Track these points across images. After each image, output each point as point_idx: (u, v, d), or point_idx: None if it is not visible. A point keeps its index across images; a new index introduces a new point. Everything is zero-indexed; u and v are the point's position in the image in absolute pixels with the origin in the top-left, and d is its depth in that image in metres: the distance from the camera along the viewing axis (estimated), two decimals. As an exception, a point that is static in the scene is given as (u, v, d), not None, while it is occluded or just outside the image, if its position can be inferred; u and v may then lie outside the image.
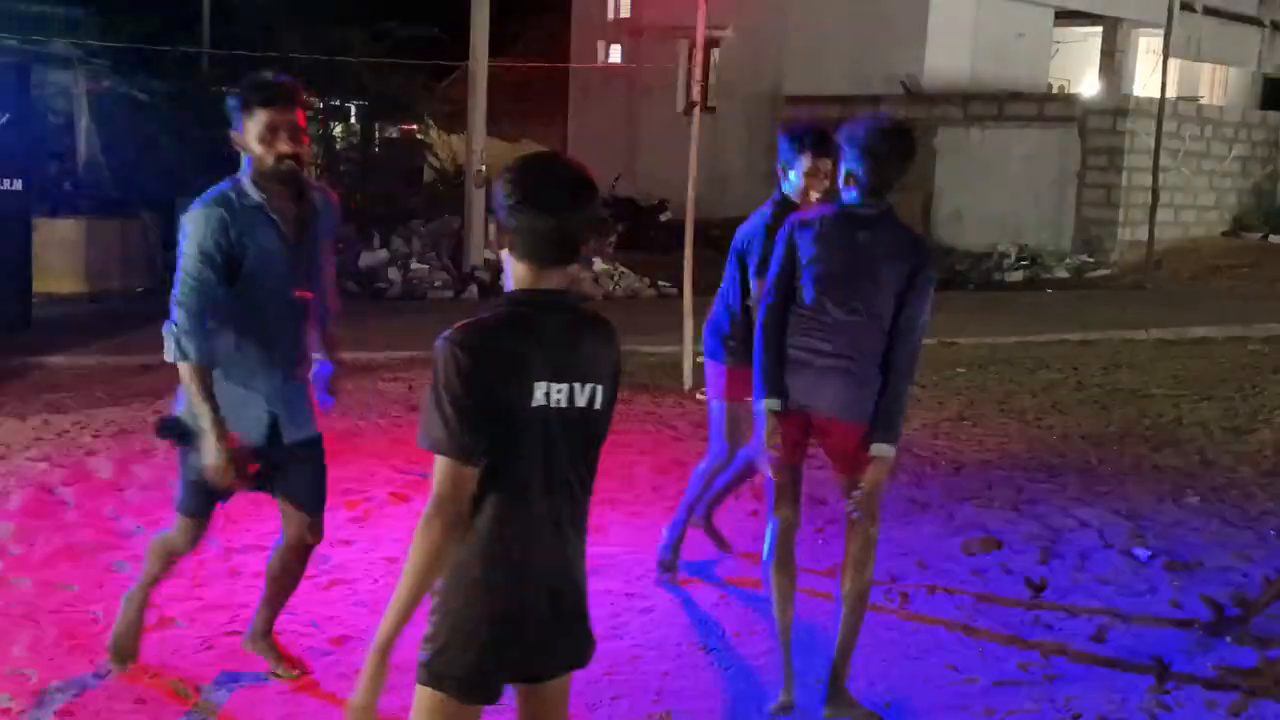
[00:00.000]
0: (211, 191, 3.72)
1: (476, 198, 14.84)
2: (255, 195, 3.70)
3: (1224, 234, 21.29)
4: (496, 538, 2.48)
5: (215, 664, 4.31)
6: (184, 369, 3.64)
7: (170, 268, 3.75)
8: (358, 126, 20.01)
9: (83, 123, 14.84)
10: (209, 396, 3.65)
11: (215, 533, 5.72)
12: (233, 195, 3.69)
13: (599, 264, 15.64)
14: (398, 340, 10.74)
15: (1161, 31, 19.56)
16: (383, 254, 15.07)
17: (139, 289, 13.34)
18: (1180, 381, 10.60)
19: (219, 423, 3.65)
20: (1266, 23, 28.19)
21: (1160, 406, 9.50)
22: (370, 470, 6.91)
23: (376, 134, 20.26)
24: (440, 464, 2.41)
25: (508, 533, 2.48)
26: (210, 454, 3.66)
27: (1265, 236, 20.98)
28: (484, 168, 14.79)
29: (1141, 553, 5.84)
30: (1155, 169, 18.36)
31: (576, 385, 2.50)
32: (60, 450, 7.11)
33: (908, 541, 5.86)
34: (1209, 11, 25.74)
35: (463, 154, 16.47)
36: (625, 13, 25.54)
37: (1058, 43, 24.19)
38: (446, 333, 2.46)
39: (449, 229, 15.76)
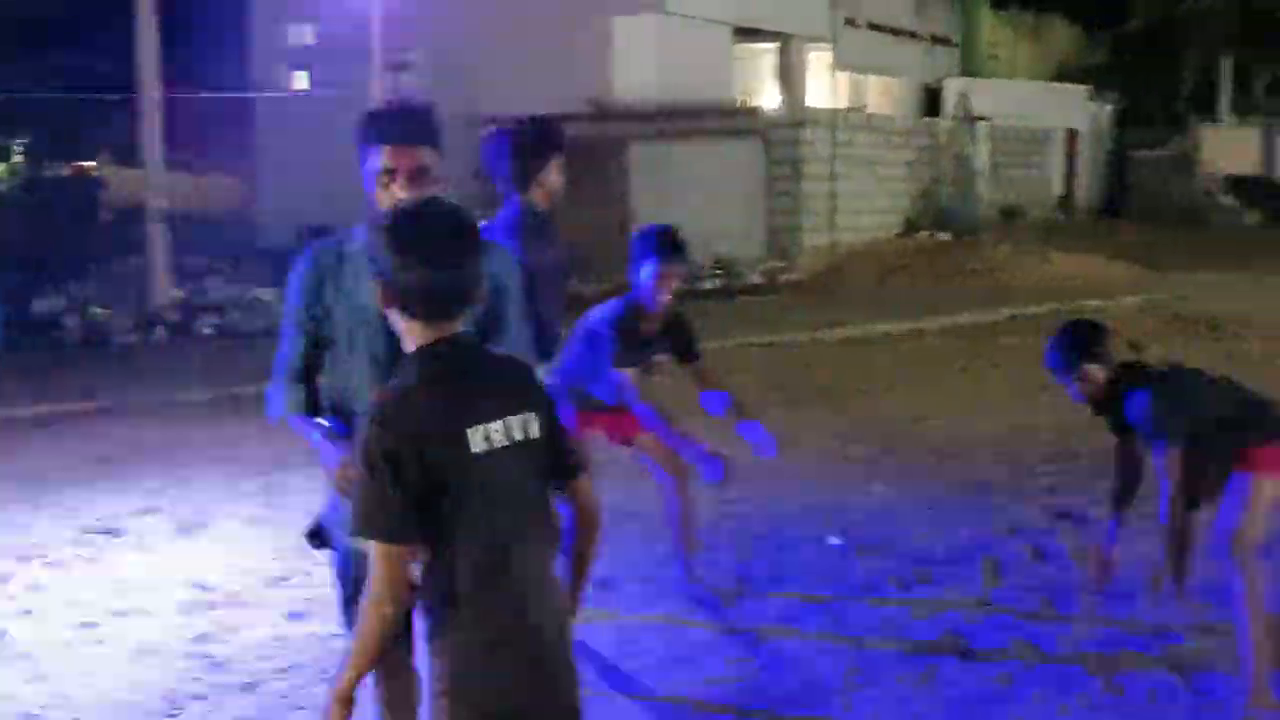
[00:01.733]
0: (326, 238, 3.16)
1: (158, 236, 14.18)
2: (361, 241, 2.99)
3: (898, 234, 22.76)
4: (482, 604, 2.35)
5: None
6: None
7: None
8: (23, 165, 18.76)
9: None
10: (306, 432, 3.08)
11: None
12: (338, 242, 3.10)
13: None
14: (80, 390, 10.13)
15: (831, 46, 20.75)
16: (58, 300, 14.19)
17: None
18: (866, 375, 11.23)
19: (328, 433, 3.01)
20: (923, 35, 30.35)
21: (848, 401, 10.04)
22: (55, 530, 6.48)
23: (45, 173, 19.05)
24: (374, 550, 2.28)
25: (493, 595, 2.36)
26: (326, 459, 2.97)
27: (933, 235, 22.55)
28: (165, 204, 14.15)
29: (835, 541, 6.15)
30: (832, 176, 19.43)
31: (511, 419, 2.40)
32: None
33: (618, 549, 5.95)
34: (872, 27, 27.50)
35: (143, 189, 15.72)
36: (309, 38, 25.01)
37: (737, 58, 25.25)
38: (368, 410, 2.34)
39: (130, 270, 15.01)
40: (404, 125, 3.02)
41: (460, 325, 2.44)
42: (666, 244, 4.96)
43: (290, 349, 3.11)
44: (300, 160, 23.71)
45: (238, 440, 8.57)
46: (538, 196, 4.34)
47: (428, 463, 2.30)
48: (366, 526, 2.29)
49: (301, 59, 25.23)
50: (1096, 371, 4.32)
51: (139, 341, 13.66)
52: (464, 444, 2.34)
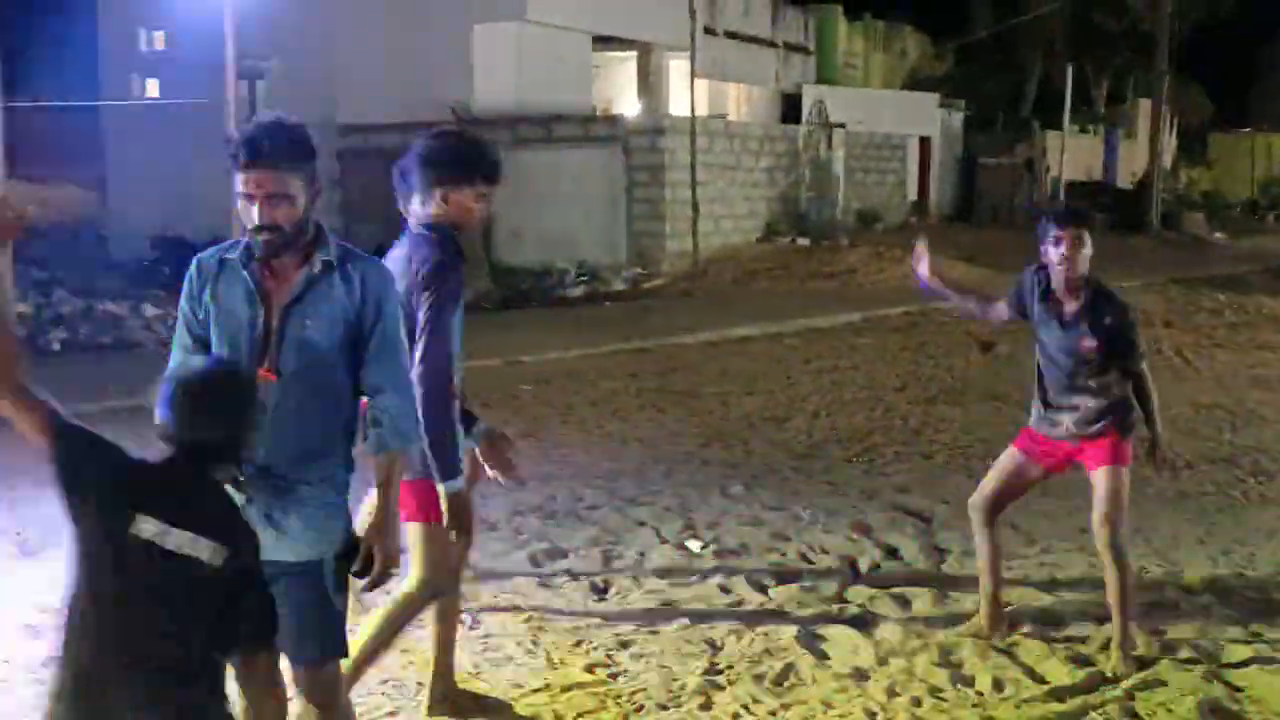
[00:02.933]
0: (212, 247, 3.26)
1: (2, 251, 13.65)
2: (240, 251, 3.14)
3: (758, 239, 23.09)
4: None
5: None
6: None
7: None
8: None
9: None
10: None
11: None
12: (220, 250, 3.19)
13: (149, 309, 14.84)
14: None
15: (689, 54, 20.98)
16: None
17: None
18: (727, 379, 11.39)
19: None
20: (780, 44, 30.88)
21: (709, 404, 10.17)
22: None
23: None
24: None
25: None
26: None
27: (793, 240, 22.95)
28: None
29: (694, 544, 6.23)
30: (693, 183, 19.62)
31: (194, 537, 2.56)
32: None
33: (475, 560, 5.95)
34: (729, 35, 27.87)
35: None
36: (159, 44, 24.36)
37: (597, 66, 25.36)
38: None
39: (-28, 285, 14.42)
40: (260, 149, 3.02)
41: (222, 474, 2.67)
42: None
43: (181, 353, 3.20)
44: (152, 170, 23.10)
45: (86, 458, 8.31)
46: (437, 213, 3.88)
47: (97, 510, 2.53)
48: None
49: (152, 67, 24.56)
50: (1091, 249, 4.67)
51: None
52: (131, 519, 2.53)
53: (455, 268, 3.84)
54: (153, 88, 24.69)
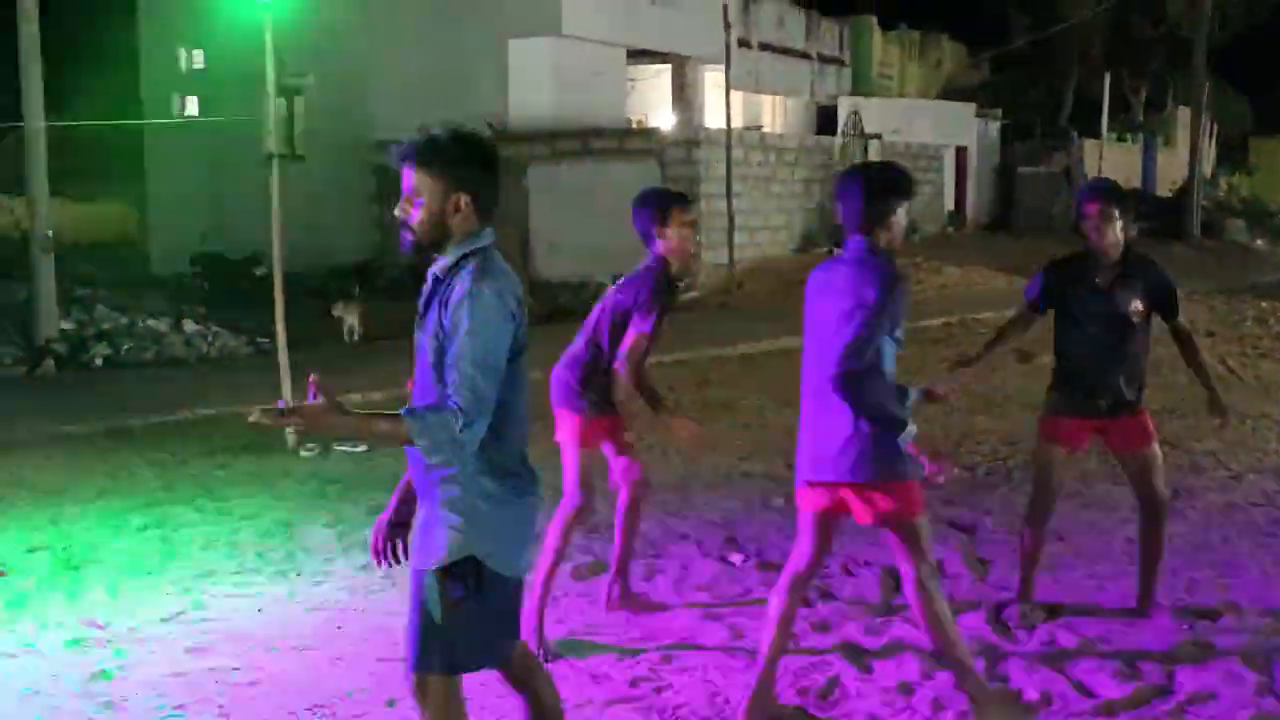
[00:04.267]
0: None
1: (44, 264, 13.84)
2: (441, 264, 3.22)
3: (794, 251, 23.04)
4: None
5: None
6: None
7: None
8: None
9: None
10: None
11: None
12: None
13: (189, 325, 14.97)
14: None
15: (724, 67, 20.96)
16: (-61, 332, 13.77)
17: None
18: (765, 391, 11.35)
19: None
20: (814, 56, 30.85)
21: (748, 417, 10.14)
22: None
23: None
24: None
25: None
26: None
27: (830, 251, 22.83)
28: (50, 232, 13.83)
29: (736, 557, 6.20)
30: (729, 194, 19.58)
31: None
32: None
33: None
34: (764, 47, 27.88)
35: (28, 219, 15.33)
36: (199, 63, 24.58)
37: (632, 80, 25.40)
38: None
39: (14, 299, 14.61)
40: (400, 147, 3.20)
41: None
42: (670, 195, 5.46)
43: None
44: (192, 187, 23.32)
45: (129, 473, 8.39)
46: (883, 239, 4.32)
47: None
48: None
49: (192, 84, 24.78)
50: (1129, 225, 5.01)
51: (26, 373, 13.29)
52: None
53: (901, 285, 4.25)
54: (192, 105, 24.91)
